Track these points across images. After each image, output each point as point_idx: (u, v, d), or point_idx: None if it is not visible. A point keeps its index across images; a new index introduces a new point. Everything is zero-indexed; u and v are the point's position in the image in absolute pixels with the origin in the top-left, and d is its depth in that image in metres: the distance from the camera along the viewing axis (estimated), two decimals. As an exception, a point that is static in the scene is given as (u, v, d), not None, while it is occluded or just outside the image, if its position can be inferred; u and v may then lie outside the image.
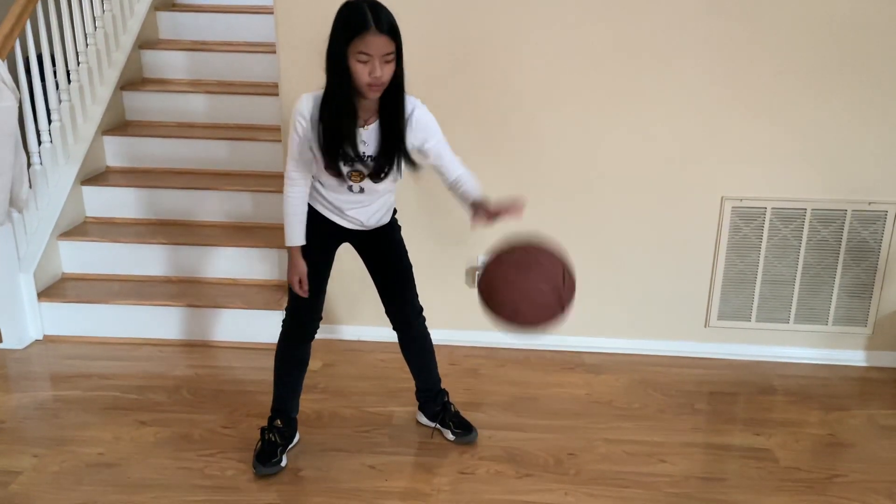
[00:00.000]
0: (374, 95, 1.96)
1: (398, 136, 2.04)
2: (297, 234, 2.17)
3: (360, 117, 2.02)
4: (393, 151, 2.05)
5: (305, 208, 2.18)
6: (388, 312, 2.40)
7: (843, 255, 2.98)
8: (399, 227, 2.36)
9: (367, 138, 2.05)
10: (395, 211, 2.33)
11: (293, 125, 2.05)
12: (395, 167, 2.08)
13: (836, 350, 3.10)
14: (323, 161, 2.05)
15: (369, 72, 1.89)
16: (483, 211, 2.10)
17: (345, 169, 2.05)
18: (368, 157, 2.06)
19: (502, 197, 2.09)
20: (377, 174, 2.08)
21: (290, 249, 2.19)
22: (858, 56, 2.75)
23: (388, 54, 1.90)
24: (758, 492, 2.27)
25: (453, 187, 2.19)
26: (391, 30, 1.89)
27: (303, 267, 2.19)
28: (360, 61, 1.89)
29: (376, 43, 1.87)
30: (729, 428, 2.62)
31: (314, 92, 2.02)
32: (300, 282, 2.19)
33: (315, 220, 2.20)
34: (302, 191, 2.15)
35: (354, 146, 2.01)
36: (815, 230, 2.96)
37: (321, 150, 2.03)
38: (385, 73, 1.91)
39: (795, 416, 2.69)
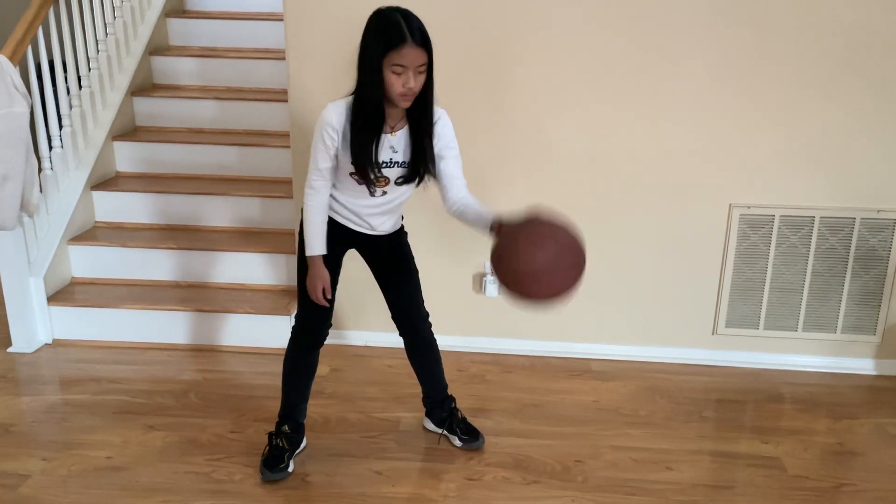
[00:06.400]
0: (406, 105, 1.99)
1: (429, 142, 2.07)
2: (319, 243, 2.15)
3: (387, 124, 2.04)
4: (425, 156, 2.08)
5: (326, 217, 2.16)
6: (394, 318, 2.40)
7: (851, 263, 2.97)
8: (406, 234, 2.36)
9: (397, 144, 2.08)
10: (401, 217, 2.34)
11: (321, 136, 2.04)
12: (428, 171, 2.11)
13: (845, 358, 3.08)
14: (353, 168, 2.05)
15: (403, 83, 1.92)
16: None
17: (372, 175, 2.07)
18: (396, 163, 2.09)
19: (514, 209, 2.06)
20: (411, 179, 2.12)
21: (310, 259, 2.16)
22: (867, 64, 2.75)
23: (421, 65, 1.93)
24: (765, 500, 2.27)
25: (460, 212, 2.14)
26: (424, 41, 1.92)
27: (326, 275, 2.17)
28: (394, 73, 1.91)
29: (411, 55, 1.90)
30: (736, 436, 2.62)
31: (340, 100, 2.03)
32: (324, 290, 2.17)
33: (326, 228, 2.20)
34: (323, 200, 2.14)
35: (378, 153, 2.03)
36: (824, 238, 2.95)
37: (353, 159, 2.03)
38: (418, 83, 1.94)
39: (803, 425, 2.68)
